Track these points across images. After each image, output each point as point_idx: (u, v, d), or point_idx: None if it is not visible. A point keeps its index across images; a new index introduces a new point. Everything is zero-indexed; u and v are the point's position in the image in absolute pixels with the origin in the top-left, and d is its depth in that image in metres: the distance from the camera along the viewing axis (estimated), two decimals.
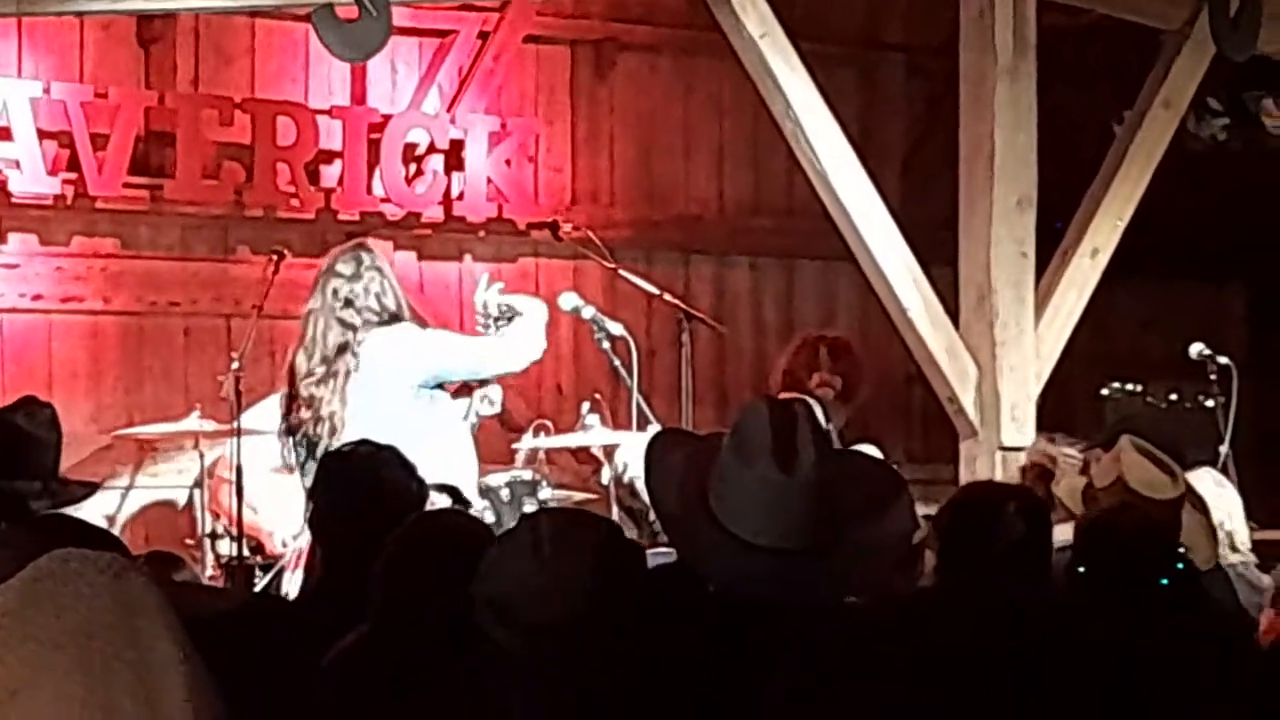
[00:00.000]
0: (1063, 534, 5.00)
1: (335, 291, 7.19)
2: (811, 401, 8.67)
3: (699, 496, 3.07)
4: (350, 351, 7.15)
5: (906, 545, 3.14)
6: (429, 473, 6.67)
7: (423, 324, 7.69)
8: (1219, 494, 6.31)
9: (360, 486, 4.78)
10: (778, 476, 2.96)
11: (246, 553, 8.07)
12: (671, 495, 3.17)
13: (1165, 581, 4.38)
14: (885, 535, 3.08)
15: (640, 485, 5.52)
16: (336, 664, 3.82)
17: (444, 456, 6.94)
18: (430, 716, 3.39)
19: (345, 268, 7.24)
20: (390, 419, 6.87)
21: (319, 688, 3.75)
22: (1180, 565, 4.49)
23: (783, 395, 8.49)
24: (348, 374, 7.15)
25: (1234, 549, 6.25)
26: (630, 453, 5.63)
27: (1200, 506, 5.69)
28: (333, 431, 7.11)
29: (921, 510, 4.50)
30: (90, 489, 5.87)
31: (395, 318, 7.24)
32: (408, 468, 4.95)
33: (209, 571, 8.31)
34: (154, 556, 5.81)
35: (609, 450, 8.35)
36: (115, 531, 8.83)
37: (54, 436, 5.57)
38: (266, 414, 8.19)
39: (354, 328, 7.17)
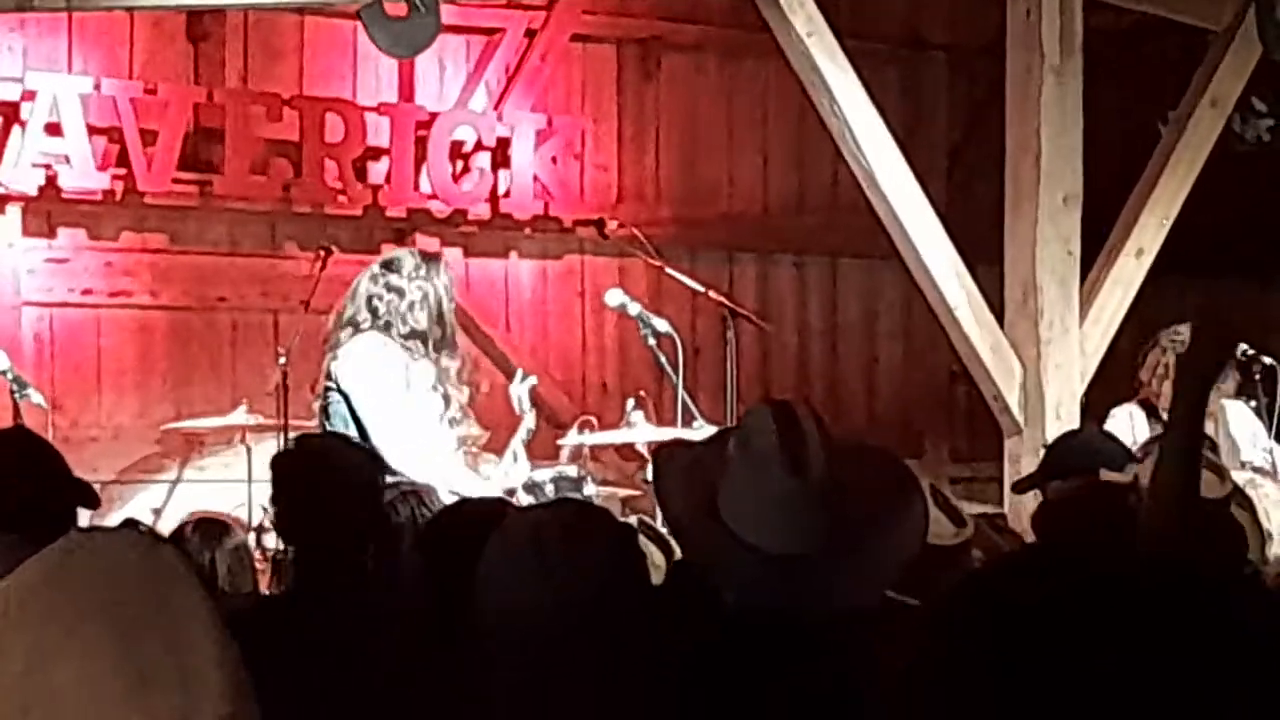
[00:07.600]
0: None
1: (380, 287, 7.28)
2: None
3: (708, 502, 3.00)
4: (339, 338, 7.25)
5: (920, 545, 3.08)
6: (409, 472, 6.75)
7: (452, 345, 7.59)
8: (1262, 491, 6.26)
9: (317, 477, 4.76)
10: (789, 482, 2.91)
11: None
12: (679, 502, 3.11)
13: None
14: (901, 536, 3.03)
15: None
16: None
17: (422, 459, 6.98)
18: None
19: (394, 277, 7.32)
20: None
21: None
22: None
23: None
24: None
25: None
26: None
27: (1247, 505, 5.67)
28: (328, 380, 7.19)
29: (968, 508, 4.52)
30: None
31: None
32: (354, 445, 4.89)
33: (256, 566, 8.36)
34: (202, 522, 5.77)
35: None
36: (161, 525, 8.92)
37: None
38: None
39: (356, 325, 7.24)
